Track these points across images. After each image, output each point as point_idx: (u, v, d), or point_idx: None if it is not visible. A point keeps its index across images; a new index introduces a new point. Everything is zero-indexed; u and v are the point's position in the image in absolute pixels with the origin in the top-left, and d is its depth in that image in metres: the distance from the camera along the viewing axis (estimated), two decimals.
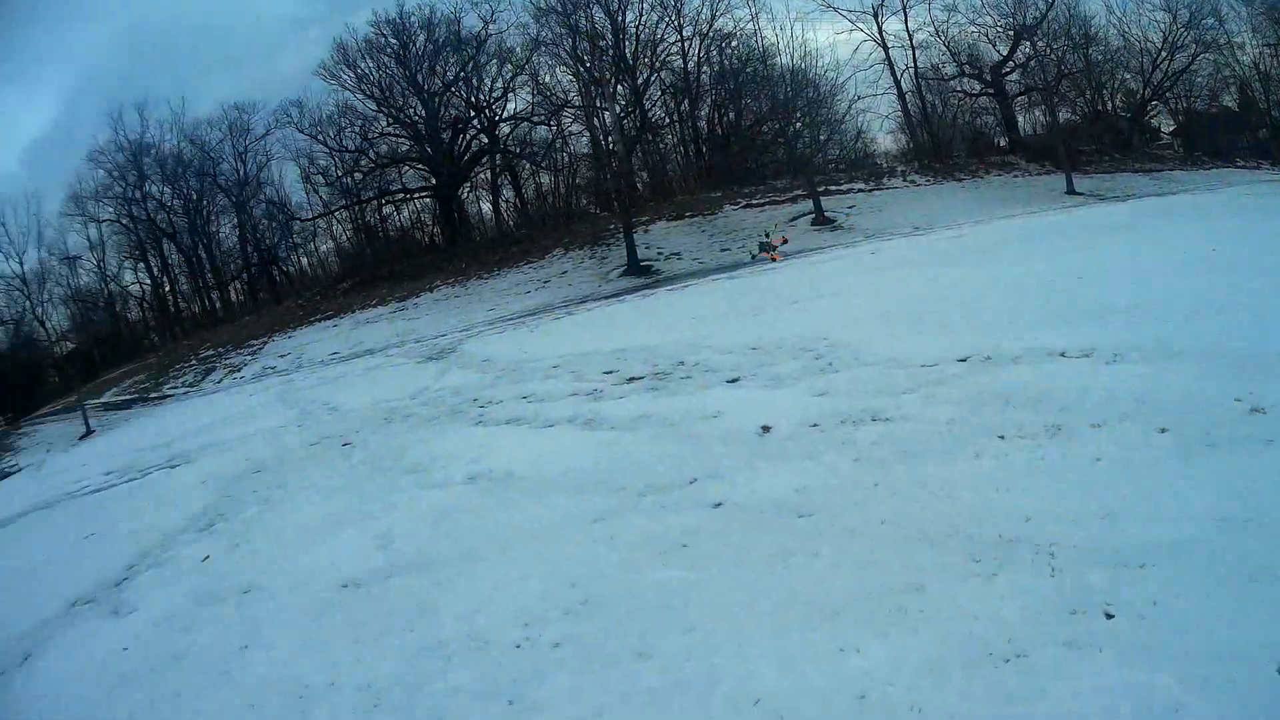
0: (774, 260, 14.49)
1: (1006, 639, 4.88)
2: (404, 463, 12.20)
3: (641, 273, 38.53)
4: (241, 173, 73.14)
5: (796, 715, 4.72)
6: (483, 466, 10.69)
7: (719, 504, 7.66)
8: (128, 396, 51.16)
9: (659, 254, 41.01)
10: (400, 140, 61.65)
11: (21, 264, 68.14)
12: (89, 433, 42.82)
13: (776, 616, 5.66)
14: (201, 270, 77.79)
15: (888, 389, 9.99)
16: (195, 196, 74.41)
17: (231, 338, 55.12)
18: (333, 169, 66.01)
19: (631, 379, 13.67)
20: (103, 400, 51.78)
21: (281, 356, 43.80)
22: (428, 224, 62.65)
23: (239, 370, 45.09)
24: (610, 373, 14.54)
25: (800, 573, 6.16)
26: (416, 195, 62.48)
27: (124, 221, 74.53)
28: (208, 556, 11.05)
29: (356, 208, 66.08)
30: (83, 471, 27.57)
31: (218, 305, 76.82)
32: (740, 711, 4.85)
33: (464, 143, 59.89)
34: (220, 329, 62.94)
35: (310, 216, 72.37)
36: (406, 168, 61.73)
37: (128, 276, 79.57)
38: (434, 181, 59.79)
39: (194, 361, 52.59)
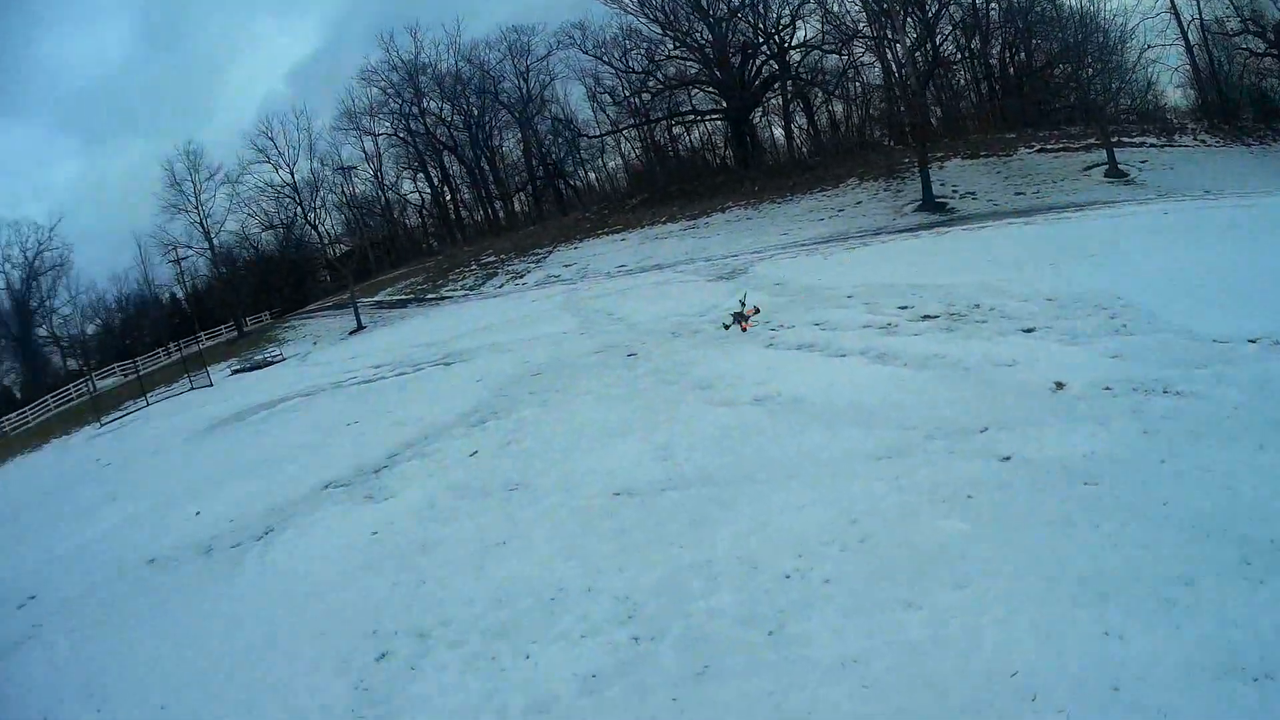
0: (744, 330, 14.14)
1: (1259, 655, 4.48)
2: (690, 377, 12.27)
3: (936, 209, 36.97)
4: (524, 90, 75.22)
5: (1049, 697, 4.51)
6: (771, 389, 10.61)
7: (1007, 458, 7.35)
8: (403, 297, 53.75)
9: (953, 192, 38.88)
10: (688, 63, 60.66)
11: (293, 174, 72.54)
12: (360, 328, 45.39)
13: (1048, 587, 5.39)
14: (484, 181, 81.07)
15: (1180, 360, 9.35)
16: (476, 113, 77.41)
17: (515, 246, 56.29)
18: (620, 89, 66.02)
19: (926, 316, 13.26)
20: (376, 299, 54.56)
21: (566, 266, 44.49)
22: (719, 146, 61.99)
23: (521, 277, 46.31)
24: (905, 308, 14.15)
25: (1078, 544, 5.84)
26: (707, 118, 61.91)
27: (401, 135, 78.82)
28: (475, 452, 11.58)
29: (645, 127, 65.93)
30: (351, 364, 29.36)
31: (500, 215, 79.85)
32: (995, 681, 4.67)
33: (754, 68, 58.06)
34: (503, 237, 64.67)
35: (598, 134, 73.08)
36: (696, 90, 61.19)
37: (406, 186, 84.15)
38: (724, 105, 58.72)
39: (474, 266, 54.31)
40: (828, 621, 5.42)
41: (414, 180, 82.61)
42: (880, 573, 5.85)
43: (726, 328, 13.64)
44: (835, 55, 56.59)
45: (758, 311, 13.62)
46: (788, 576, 6.02)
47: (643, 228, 48.44)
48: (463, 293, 47.65)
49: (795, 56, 58.11)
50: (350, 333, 45.04)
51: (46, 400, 63.75)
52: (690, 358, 13.65)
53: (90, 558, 14.39)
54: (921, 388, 9.71)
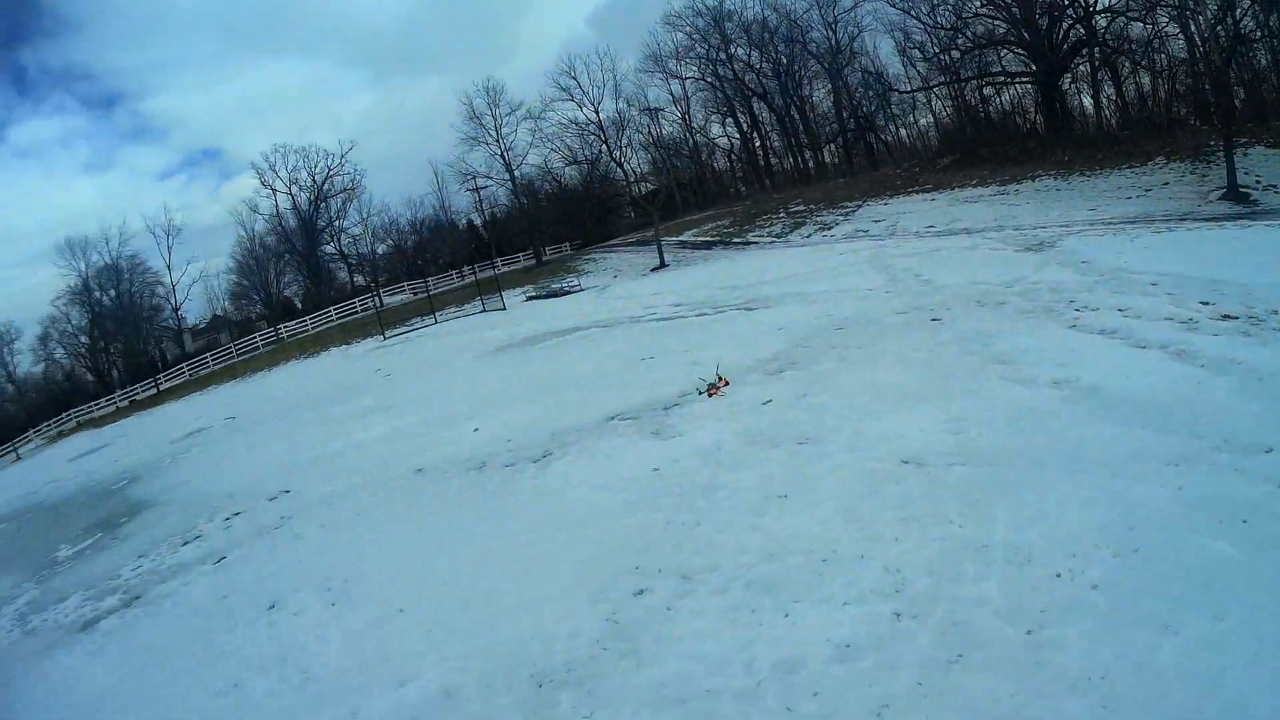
0: (710, 396, 13.81)
1: None
2: (991, 350, 12.03)
3: (1240, 199, 34.20)
4: (833, 41, 75.93)
5: None
6: (1070, 373, 10.27)
7: None
8: (708, 239, 55.41)
9: (1256, 182, 35.54)
10: (996, 22, 58.67)
11: (597, 112, 79.81)
12: (662, 266, 46.60)
13: None
14: (794, 130, 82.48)
15: None
16: (785, 61, 79.13)
17: (824, 197, 56.65)
18: (929, 44, 65.23)
19: (1226, 316, 12.29)
20: (681, 239, 56.38)
21: (875, 222, 44.43)
22: (1028, 111, 60.27)
23: (830, 229, 46.47)
24: (1206, 304, 13.20)
25: None
26: (1016, 80, 59.76)
27: (709, 80, 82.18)
28: (769, 400, 11.77)
29: (956, 85, 64.44)
30: (652, 300, 30.23)
31: (810, 164, 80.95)
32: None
33: (1060, 31, 55.72)
34: (812, 187, 65.59)
35: (908, 89, 72.87)
36: (1005, 51, 59.03)
37: (714, 130, 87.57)
38: (1033, 68, 56.42)
39: (782, 214, 55.17)
40: (1085, 630, 5.28)
41: (722, 124, 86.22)
42: (1145, 588, 5.63)
43: (700, 392, 13.68)
44: (1140, 23, 53.47)
45: (728, 384, 13.56)
46: (1058, 575, 5.88)
47: (952, 189, 47.67)
48: (769, 240, 48.44)
49: (1101, 21, 55.27)
50: (652, 269, 46.50)
51: (329, 311, 68.80)
52: (992, 329, 13.32)
53: (355, 460, 15.89)
54: (1216, 393, 9.09)
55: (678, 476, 9.60)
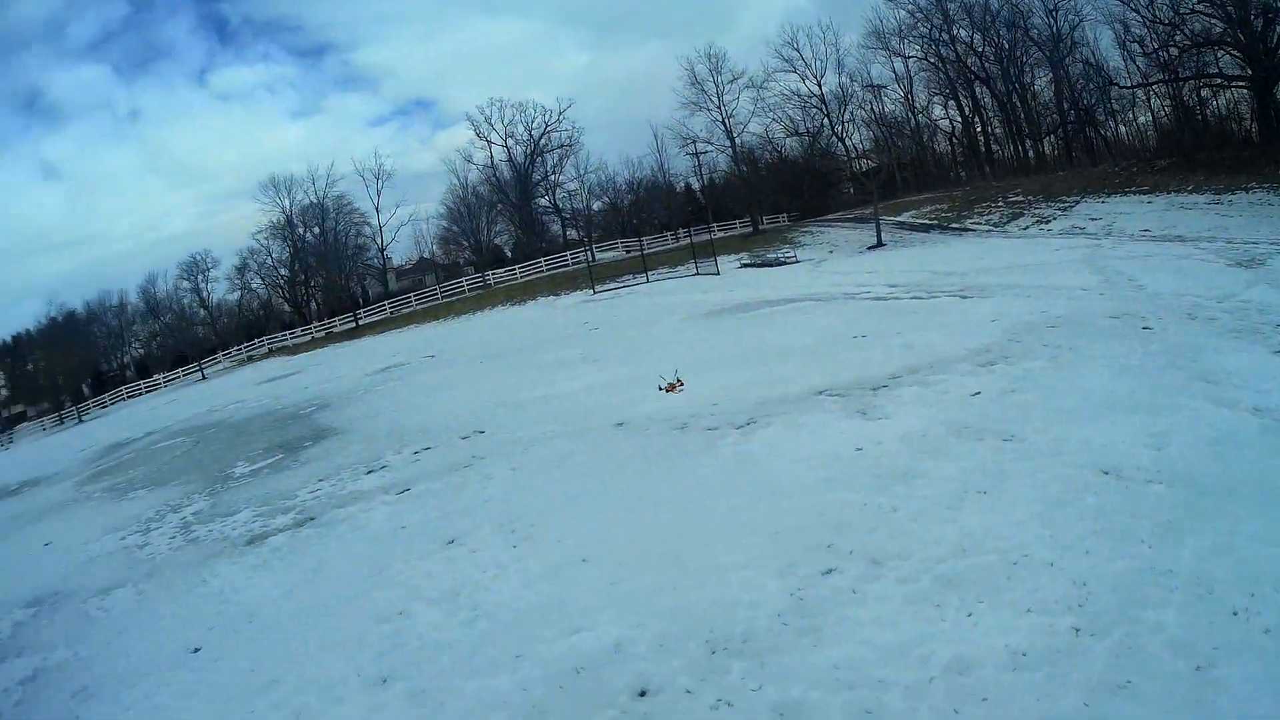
0: (668, 391, 13.43)
1: None
2: (1198, 367, 11.53)
3: None
4: (1054, 28, 73.51)
5: None
6: (1273, 400, 9.76)
7: None
8: (925, 221, 54.95)
9: None
10: (1212, 20, 55.60)
11: (820, 85, 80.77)
12: (879, 245, 46.52)
13: None
14: (1015, 118, 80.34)
15: None
16: (1007, 46, 77.16)
17: (1043, 189, 55.24)
18: (1149, 39, 61.73)
19: None
20: (899, 219, 56.07)
21: (1092, 220, 43.17)
22: (1243, 117, 57.52)
23: (1047, 223, 45.56)
24: None
25: None
26: (1232, 84, 56.94)
27: (931, 60, 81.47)
28: (978, 393, 11.68)
29: (1174, 85, 61.06)
30: (866, 279, 30.24)
31: (1030, 155, 78.83)
32: None
33: (1277, 35, 53.29)
34: (1031, 178, 64.09)
35: (1128, 85, 69.54)
36: (1222, 52, 56.31)
37: (936, 111, 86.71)
38: (1249, 72, 53.85)
39: (1000, 203, 54.21)
40: (1249, 674, 5.12)
41: (944, 107, 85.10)
42: None
43: (661, 390, 13.40)
44: None
45: (683, 385, 13.34)
46: (1235, 613, 5.68)
47: (1169, 193, 45.57)
48: (986, 228, 47.95)
49: None
50: (869, 248, 46.97)
51: (539, 262, 70.95)
52: (1201, 344, 12.79)
53: (555, 408, 16.45)
54: None
55: (880, 459, 9.64)
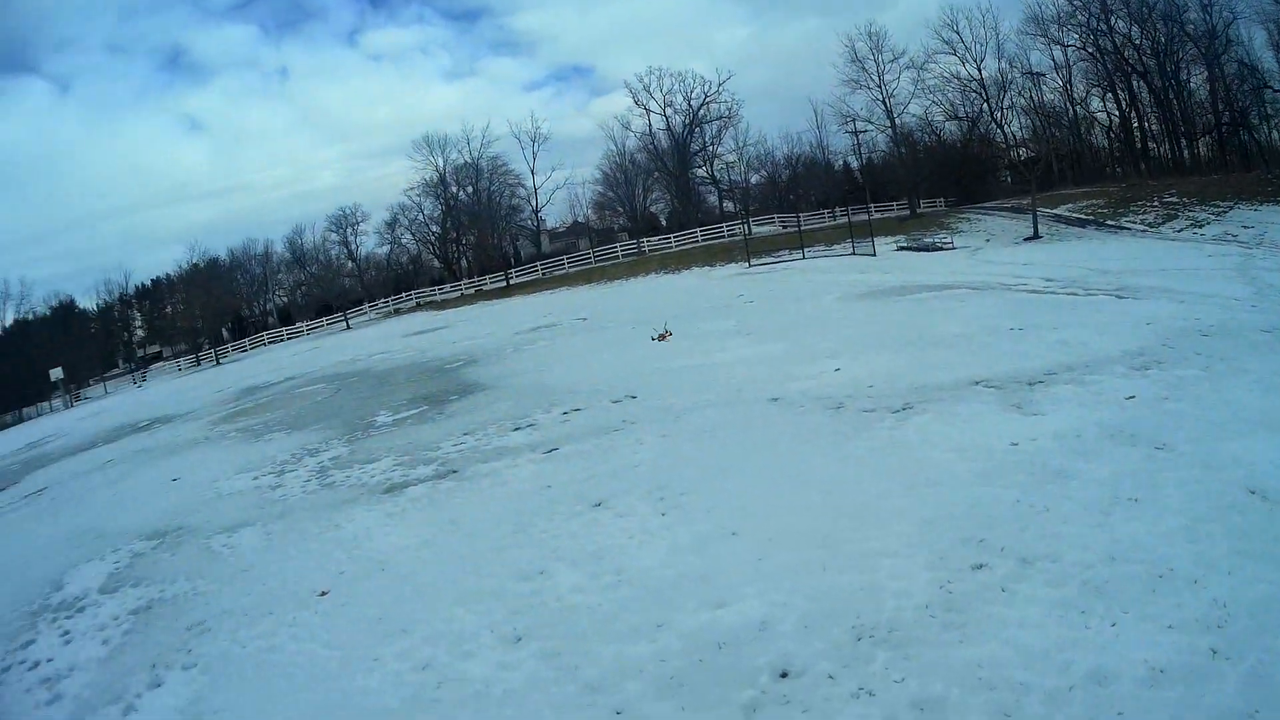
0: (660, 340, 13.04)
1: None
2: None
3: None
4: (1210, 25, 71.74)
5: None
6: None
7: None
8: (1082, 216, 54.47)
9: None
10: None
11: (979, 70, 79.66)
12: (1035, 237, 46.14)
13: None
14: (1170, 116, 78.17)
15: None
16: (1164, 41, 75.09)
17: (1198, 191, 54.53)
18: None
19: None
20: (1055, 212, 55.66)
21: (1244, 228, 42.50)
22: None
23: (1200, 227, 44.91)
24: None
25: None
26: None
27: (1089, 50, 79.69)
28: (1132, 396, 11.53)
29: None
30: (1022, 270, 30.17)
31: (1185, 155, 76.89)
32: None
33: None
34: (1186, 179, 63.03)
35: None
36: None
37: (1094, 103, 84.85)
38: None
39: (1155, 203, 53.58)
40: None
41: (1102, 100, 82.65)
42: None
43: (653, 339, 13.21)
44: None
45: (671, 334, 13.21)
46: None
47: None
48: (1141, 228, 47.63)
49: None
50: (1025, 239, 47.22)
51: (695, 232, 71.76)
52: None
53: (709, 378, 16.79)
54: None
55: (1034, 455, 9.63)
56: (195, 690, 8.10)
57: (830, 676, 6.03)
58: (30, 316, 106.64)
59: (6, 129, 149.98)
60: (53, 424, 54.82)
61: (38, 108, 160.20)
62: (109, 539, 14.26)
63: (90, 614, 10.96)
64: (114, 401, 62.13)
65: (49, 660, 9.78)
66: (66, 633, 10.53)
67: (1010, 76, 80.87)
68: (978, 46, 79.49)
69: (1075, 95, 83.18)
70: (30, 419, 74.55)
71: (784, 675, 6.17)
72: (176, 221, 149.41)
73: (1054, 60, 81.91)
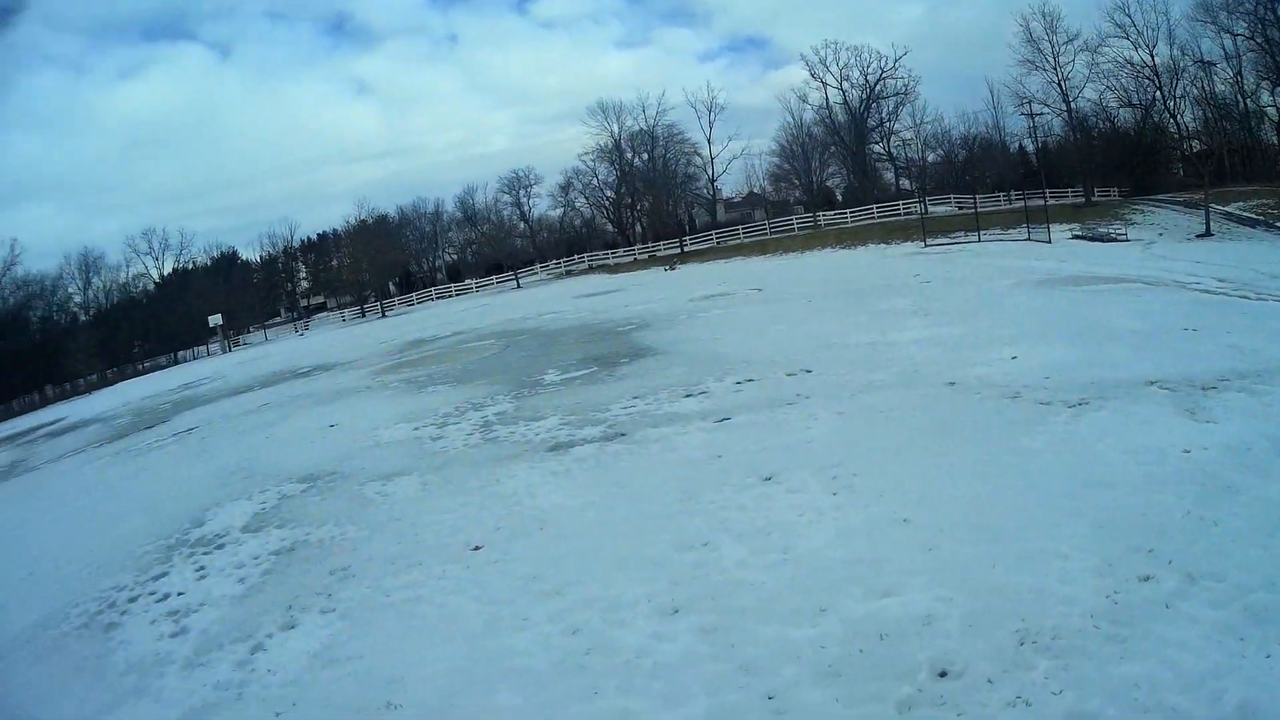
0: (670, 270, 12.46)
1: None
2: None
3: None
4: None
5: None
6: None
7: None
8: (1253, 215, 53.22)
9: None
10: None
11: (1152, 56, 78.65)
12: (1207, 234, 44.91)
13: None
14: None
15: None
16: None
17: None
18: None
19: None
20: (1227, 209, 54.46)
21: None
22: None
23: None
24: None
25: None
26: None
27: (1258, 40, 76.32)
28: None
29: None
30: (1195, 268, 29.79)
31: None
32: None
33: None
34: None
35: None
36: None
37: (1264, 97, 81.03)
38: None
39: None
40: None
41: (1271, 93, 79.24)
42: None
43: (666, 270, 12.87)
44: None
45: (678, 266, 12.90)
46: None
47: None
48: None
49: None
50: (1197, 235, 46.57)
51: (871, 209, 71.98)
52: None
53: (884, 358, 17.04)
54: None
55: (1205, 465, 9.38)
56: (330, 634, 8.54)
57: (989, 681, 6.03)
58: (190, 265, 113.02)
59: (166, 93, 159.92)
60: (209, 367, 57.95)
61: (197, 72, 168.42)
62: (257, 479, 15.12)
63: (230, 551, 11.67)
64: (274, 348, 65.27)
65: (179, 594, 10.45)
66: (202, 568, 11.23)
67: (1182, 64, 79.49)
68: (1149, 31, 78.52)
69: (1245, 87, 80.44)
70: (185, 362, 77.75)
71: (943, 675, 6.20)
72: (345, 180, 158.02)
73: (1224, 50, 79.61)
